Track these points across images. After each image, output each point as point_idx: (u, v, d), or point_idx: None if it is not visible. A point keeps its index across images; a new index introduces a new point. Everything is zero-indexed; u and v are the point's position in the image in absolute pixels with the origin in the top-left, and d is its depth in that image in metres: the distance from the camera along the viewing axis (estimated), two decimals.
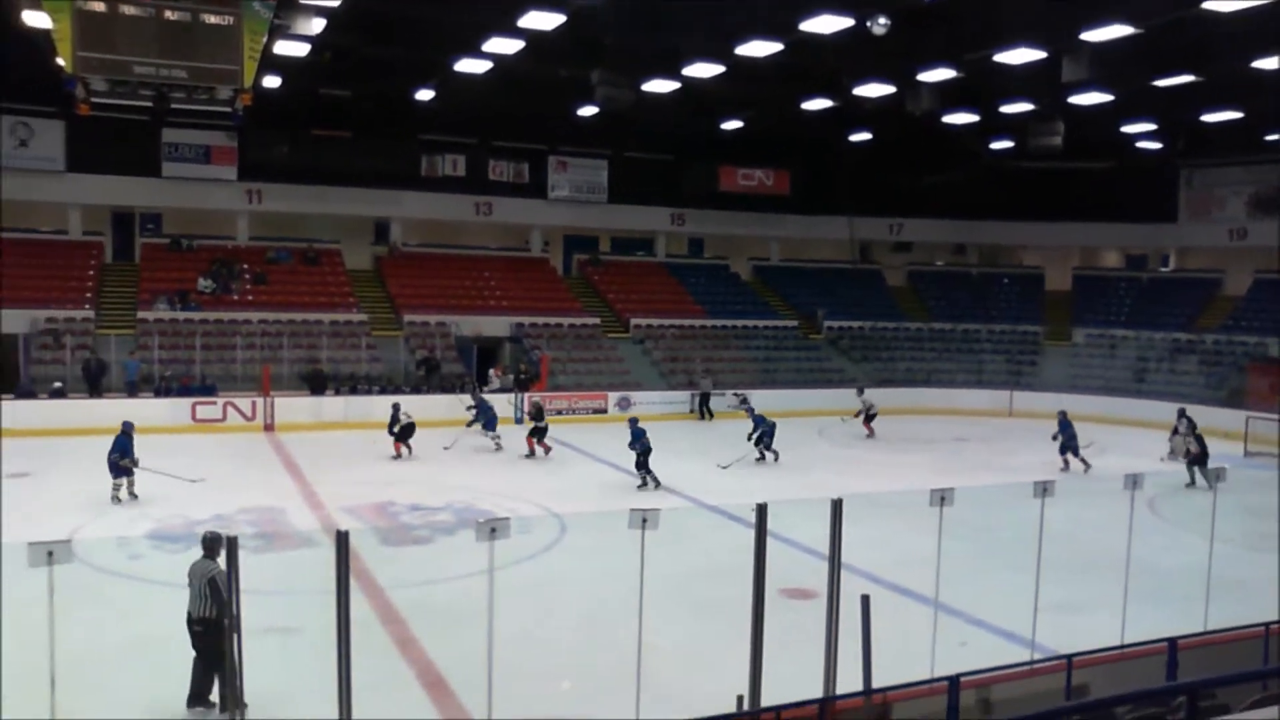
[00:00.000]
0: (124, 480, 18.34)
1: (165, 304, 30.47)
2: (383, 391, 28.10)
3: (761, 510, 7.69)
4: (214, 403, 26.76)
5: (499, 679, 7.70)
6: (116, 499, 18.23)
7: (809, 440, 26.83)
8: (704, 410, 30.84)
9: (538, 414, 24.13)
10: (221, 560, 8.74)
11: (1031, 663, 8.94)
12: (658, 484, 20.04)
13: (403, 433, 23.31)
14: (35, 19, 19.75)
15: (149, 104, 19.92)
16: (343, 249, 35.63)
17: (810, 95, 29.21)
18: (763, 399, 30.44)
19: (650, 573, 7.98)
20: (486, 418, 24.53)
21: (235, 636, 7.88)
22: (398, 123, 33.80)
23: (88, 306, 29.95)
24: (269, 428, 26.59)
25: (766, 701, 7.54)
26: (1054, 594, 10.14)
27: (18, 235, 32.15)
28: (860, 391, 29.69)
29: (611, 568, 10.71)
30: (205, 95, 19.34)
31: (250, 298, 32.05)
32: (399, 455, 23.18)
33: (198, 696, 9.05)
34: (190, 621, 8.85)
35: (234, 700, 7.98)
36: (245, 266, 33.13)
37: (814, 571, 9.60)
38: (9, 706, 8.90)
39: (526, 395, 28.75)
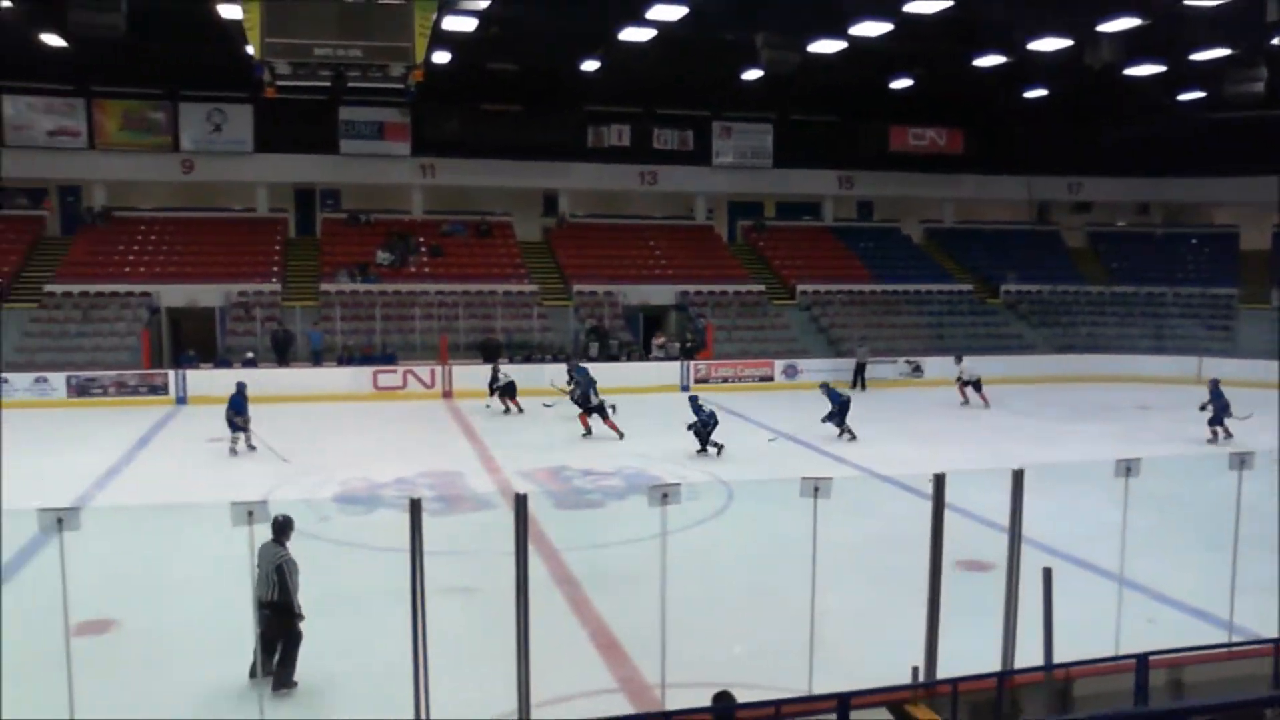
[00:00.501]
0: (239, 435, 19.82)
1: (346, 277, 31.76)
2: (554, 360, 28.61)
3: (939, 480, 7.47)
4: (394, 371, 27.79)
5: (671, 643, 7.74)
6: (234, 451, 19.70)
7: (984, 409, 26.04)
8: (858, 379, 30.01)
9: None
10: (290, 546, 9.08)
11: (1230, 645, 8.40)
12: (719, 450, 19.99)
13: (505, 390, 24.98)
14: (228, 11, 20.81)
15: (327, 84, 20.75)
16: (514, 221, 36.38)
17: (983, 51, 28.10)
18: (937, 365, 29.76)
19: (822, 541, 7.86)
20: (581, 391, 23.16)
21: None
22: (564, 95, 34.18)
23: (275, 280, 31.51)
24: (447, 395, 27.45)
25: (942, 674, 7.34)
26: (1255, 573, 9.38)
27: (212, 214, 34.24)
28: (958, 359, 28.44)
29: (781, 535, 10.63)
30: (379, 73, 20.00)
31: (426, 270, 33.08)
32: (508, 410, 24.81)
33: (260, 670, 9.12)
34: (259, 605, 8.81)
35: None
36: (421, 239, 34.19)
37: (991, 543, 9.29)
38: (227, 657, 9.49)
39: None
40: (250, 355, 27.72)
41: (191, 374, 26.67)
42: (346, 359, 28.38)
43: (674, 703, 7.53)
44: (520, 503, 6.72)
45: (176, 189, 34.65)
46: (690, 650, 9.01)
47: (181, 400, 26.14)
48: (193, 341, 29.54)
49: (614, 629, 10.70)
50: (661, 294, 34.24)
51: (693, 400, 20.86)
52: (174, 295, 30.28)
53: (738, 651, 10.33)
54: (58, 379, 25.76)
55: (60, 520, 6.28)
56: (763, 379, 30.21)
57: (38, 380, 25.70)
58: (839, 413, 21.84)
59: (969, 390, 26.96)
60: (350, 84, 20.45)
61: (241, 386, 20.22)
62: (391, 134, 34.34)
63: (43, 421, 23.05)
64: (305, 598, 9.11)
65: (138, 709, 8.69)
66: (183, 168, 33.36)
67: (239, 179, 34.17)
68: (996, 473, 7.87)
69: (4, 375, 25.52)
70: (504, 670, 6.88)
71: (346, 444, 20.02)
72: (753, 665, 9.58)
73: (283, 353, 28.12)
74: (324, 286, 31.52)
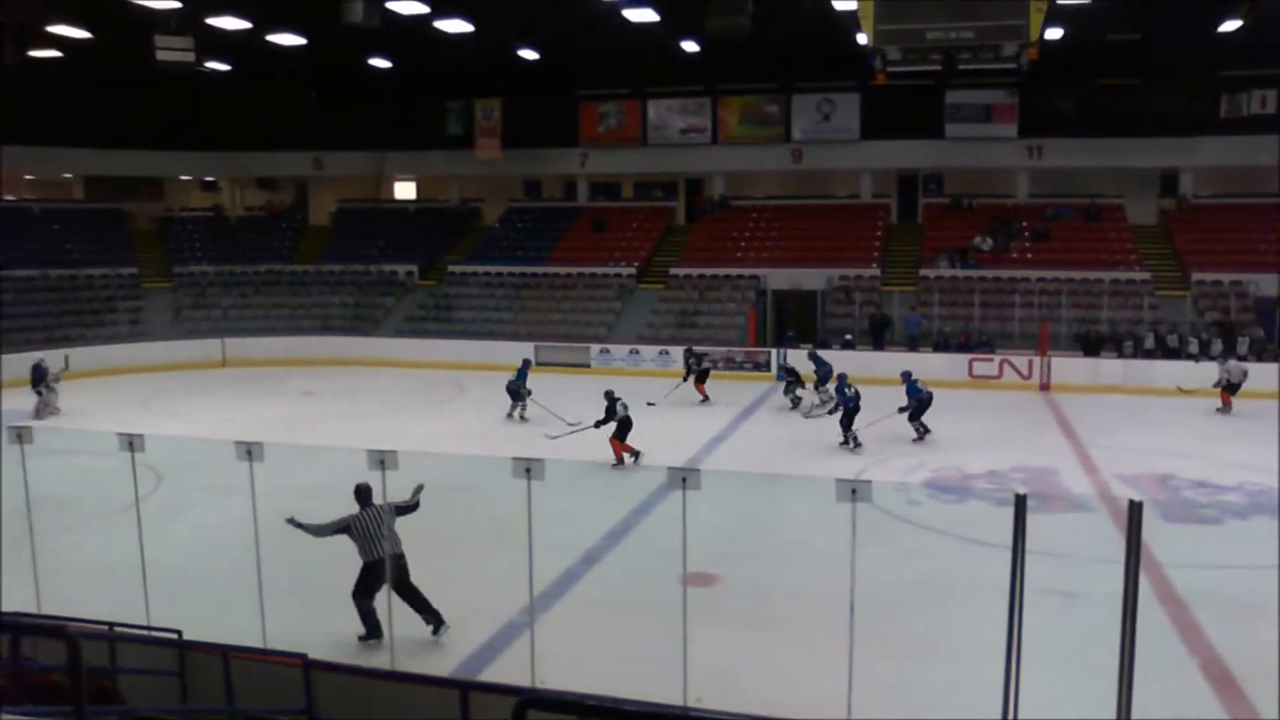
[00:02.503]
0: (518, 405, 21.98)
1: (945, 262, 31.53)
2: (1165, 355, 26.10)
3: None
4: (990, 359, 27.09)
5: None
6: (510, 417, 22.06)
7: None
8: None
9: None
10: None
11: None
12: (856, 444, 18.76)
13: (700, 377, 24.73)
14: (841, 3, 21.52)
15: (936, 68, 20.63)
16: (1125, 203, 33.71)
17: None
18: None
19: None
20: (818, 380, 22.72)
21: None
22: (1196, 62, 30.82)
23: (874, 265, 32.14)
24: (1044, 387, 26.21)
25: None
26: None
27: (818, 201, 35.77)
28: (1224, 359, 23.86)
29: None
30: (991, 53, 19.48)
31: (1029, 255, 31.80)
32: (705, 399, 24.32)
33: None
34: (397, 558, 9.90)
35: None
36: (1024, 224, 32.94)
37: None
38: (822, 624, 9.85)
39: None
40: (848, 337, 28.59)
41: (792, 353, 28.10)
42: (942, 345, 28.20)
43: None
44: (1134, 511, 6.15)
45: (786, 177, 36.72)
46: None
47: (782, 378, 27.63)
48: (794, 322, 31.15)
49: (1227, 661, 9.49)
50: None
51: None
52: (779, 278, 32.13)
53: None
54: (678, 352, 28.53)
55: (684, 479, 6.85)
56: None
57: (662, 353, 28.73)
58: (847, 412, 19.31)
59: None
60: (960, 66, 20.16)
61: (526, 362, 22.47)
62: (998, 115, 33.38)
63: (662, 390, 25.66)
64: (897, 578, 9.14)
65: (742, 657, 9.32)
66: (793, 157, 35.23)
67: (845, 166, 35.37)
68: None
69: (636, 348, 28.92)
70: (1098, 682, 6.35)
71: (938, 431, 19.86)
72: None
73: (879, 336, 28.67)
74: (923, 272, 31.57)
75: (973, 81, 31.01)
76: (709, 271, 32.82)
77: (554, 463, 8.14)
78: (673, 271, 33.31)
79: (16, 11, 25.28)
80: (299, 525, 10.22)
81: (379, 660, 9.14)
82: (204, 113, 35.60)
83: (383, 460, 8.59)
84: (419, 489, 10.32)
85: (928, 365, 26.63)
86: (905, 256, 32.95)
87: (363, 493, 10.29)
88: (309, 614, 10.46)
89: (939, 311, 29.45)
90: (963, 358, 27.21)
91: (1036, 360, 26.60)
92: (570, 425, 19.47)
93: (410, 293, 34.94)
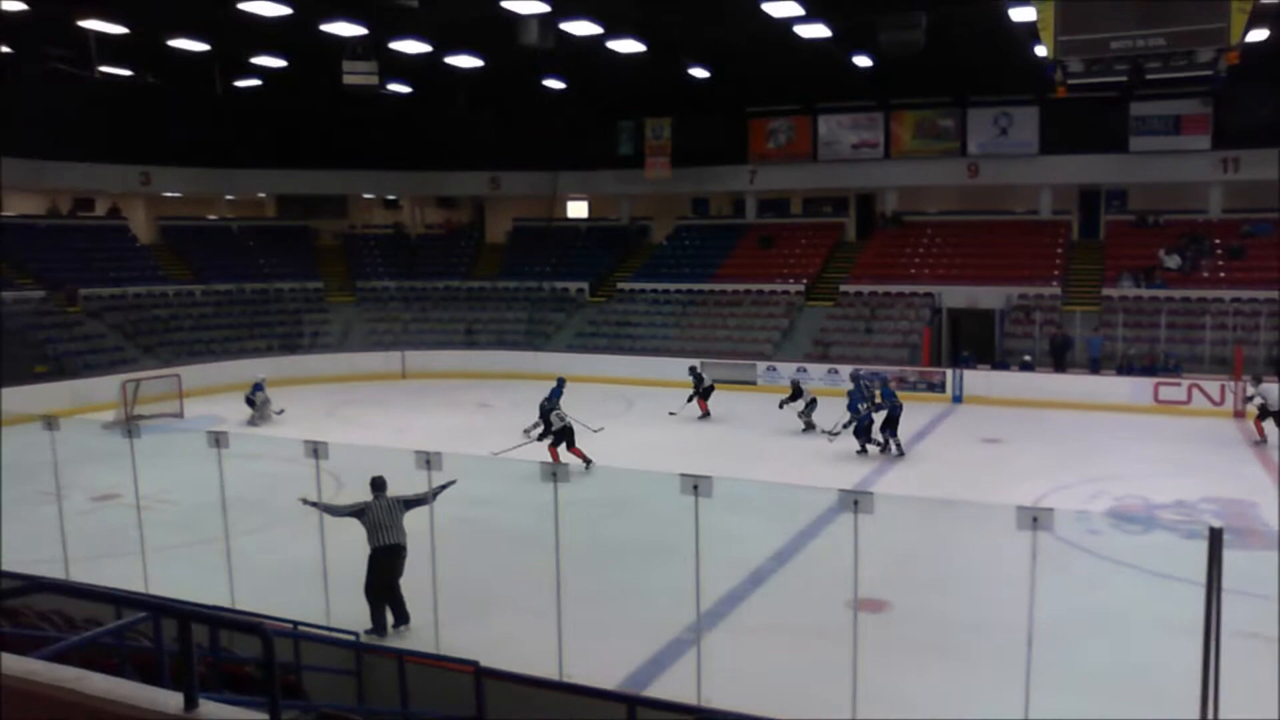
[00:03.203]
0: (537, 427, 20.50)
1: (1129, 281, 30.15)
2: None
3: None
4: (1178, 384, 25.71)
5: None
6: (526, 433, 20.83)
7: None
8: None
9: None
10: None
11: None
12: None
13: (704, 394, 24.66)
14: (1019, 13, 20.92)
15: (1122, 78, 19.79)
16: None
17: None
18: None
19: None
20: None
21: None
22: None
23: (1055, 284, 30.99)
24: (1238, 414, 24.70)
25: None
26: None
27: (995, 217, 34.79)
28: (1257, 380, 21.87)
29: None
30: (1184, 60, 18.55)
31: (1222, 274, 30.08)
32: (706, 415, 24.47)
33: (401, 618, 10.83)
34: (398, 549, 10.67)
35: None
36: (1217, 241, 31.20)
37: None
38: (991, 657, 9.57)
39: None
40: (1027, 358, 27.65)
41: (968, 374, 27.38)
42: (1126, 368, 26.93)
43: None
44: None
45: (961, 192, 35.84)
46: None
47: (957, 399, 26.97)
48: (970, 342, 30.29)
49: None
50: None
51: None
52: (955, 296, 31.34)
53: None
54: (847, 371, 28.16)
55: (856, 502, 6.77)
56: None
57: (830, 371, 28.40)
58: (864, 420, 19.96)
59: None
60: (1148, 76, 19.27)
61: (561, 381, 21.49)
62: (1189, 127, 31.76)
63: (835, 410, 25.35)
64: (1076, 608, 8.80)
65: (915, 686, 9.12)
66: (968, 172, 34.36)
67: (1023, 181, 34.24)
68: None
69: (804, 366, 28.67)
70: None
71: (1123, 458, 19.01)
72: None
73: (1060, 358, 27.59)
74: (1106, 291, 30.26)
75: (1161, 91, 29.62)
76: (881, 288, 32.31)
77: (723, 481, 8.16)
78: (843, 288, 32.93)
79: (228, 44, 27.04)
80: (315, 505, 10.78)
81: (545, 668, 9.31)
82: (386, 134, 37.20)
83: (429, 460, 9.44)
84: (445, 486, 10.59)
85: (1111, 389, 25.62)
86: (1087, 275, 31.65)
87: (378, 483, 11.01)
88: (481, 621, 10.77)
89: (1123, 333, 28.13)
90: (1148, 381, 25.92)
91: (1229, 385, 25.13)
92: (523, 439, 20.13)
93: (581, 309, 35.62)
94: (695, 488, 7.96)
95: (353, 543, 10.89)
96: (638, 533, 14.47)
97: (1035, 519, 6.45)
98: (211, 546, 11.83)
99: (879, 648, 9.40)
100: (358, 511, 10.84)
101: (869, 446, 20.17)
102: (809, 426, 22.76)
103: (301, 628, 8.48)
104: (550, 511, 9.22)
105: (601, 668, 9.58)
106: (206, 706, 2.70)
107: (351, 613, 10.12)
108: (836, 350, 29.91)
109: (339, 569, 10.80)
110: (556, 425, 18.49)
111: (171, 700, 2.67)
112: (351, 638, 8.84)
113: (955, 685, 9.43)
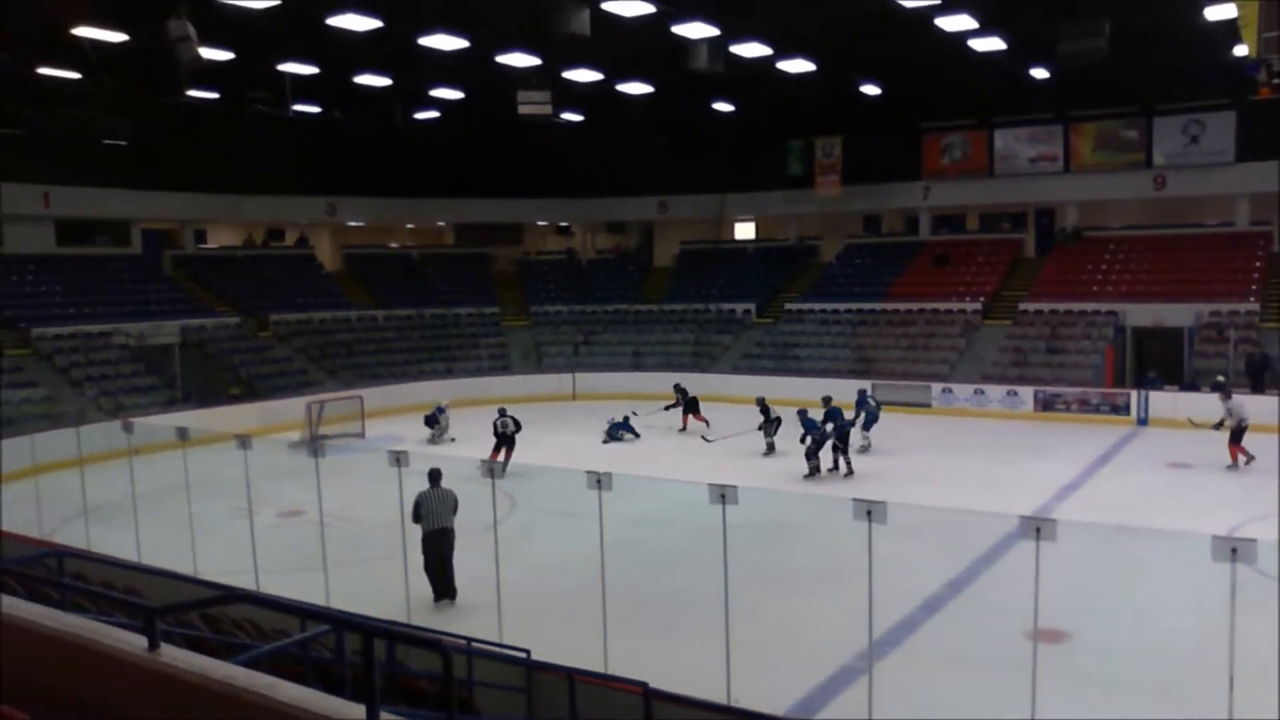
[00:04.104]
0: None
1: None
2: None
3: None
4: None
5: None
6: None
7: None
8: None
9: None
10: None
11: None
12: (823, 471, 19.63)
13: (689, 407, 26.21)
14: (1216, 12, 19.86)
15: None
16: None
17: None
18: None
19: None
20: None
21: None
22: None
23: (1253, 299, 29.15)
24: None
25: None
26: None
27: (1183, 230, 32.98)
28: (1227, 395, 20.62)
29: None
30: None
31: None
32: (684, 429, 25.98)
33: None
34: (447, 531, 12.24)
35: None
36: None
37: None
38: (1198, 697, 9.04)
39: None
40: (1220, 379, 26.03)
41: (1154, 395, 26.00)
42: None
43: None
44: None
45: (1146, 206, 34.17)
46: None
47: (1143, 421, 25.65)
48: (1156, 362, 28.79)
49: None
50: None
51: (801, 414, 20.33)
52: (1140, 314, 29.84)
53: None
54: (1026, 393, 27.20)
55: (1038, 529, 6.51)
56: None
57: (1009, 393, 27.46)
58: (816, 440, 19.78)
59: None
60: None
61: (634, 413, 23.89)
62: None
63: (1011, 432, 24.52)
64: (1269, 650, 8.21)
65: None
66: (1154, 184, 32.73)
67: (1216, 191, 32.33)
68: None
69: (981, 387, 27.83)
70: None
71: None
72: None
73: (1258, 378, 25.89)
74: None
75: None
76: (1061, 306, 31.06)
77: (896, 507, 7.98)
78: (1022, 307, 31.79)
79: (409, 79, 28.23)
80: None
81: (712, 691, 9.26)
82: (559, 161, 38.07)
83: (599, 480, 9.80)
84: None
85: None
86: None
87: (434, 475, 12.43)
88: (649, 642, 10.81)
89: None
90: None
91: None
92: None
93: (748, 330, 35.51)
94: (869, 513, 7.81)
95: (525, 563, 11.12)
96: (808, 558, 14.28)
97: (1234, 550, 6.06)
98: (388, 563, 12.28)
99: (1058, 680, 9.00)
100: (416, 504, 12.23)
101: (821, 468, 19.94)
102: (770, 449, 22.51)
103: (474, 644, 8.68)
104: (717, 533, 9.23)
105: (770, 692, 9.48)
106: (386, 719, 2.81)
107: (523, 630, 10.31)
108: (1015, 371, 28.91)
109: (512, 587, 11.04)
110: (499, 430, 20.98)
111: (354, 712, 2.79)
112: (523, 655, 9.00)
113: None
